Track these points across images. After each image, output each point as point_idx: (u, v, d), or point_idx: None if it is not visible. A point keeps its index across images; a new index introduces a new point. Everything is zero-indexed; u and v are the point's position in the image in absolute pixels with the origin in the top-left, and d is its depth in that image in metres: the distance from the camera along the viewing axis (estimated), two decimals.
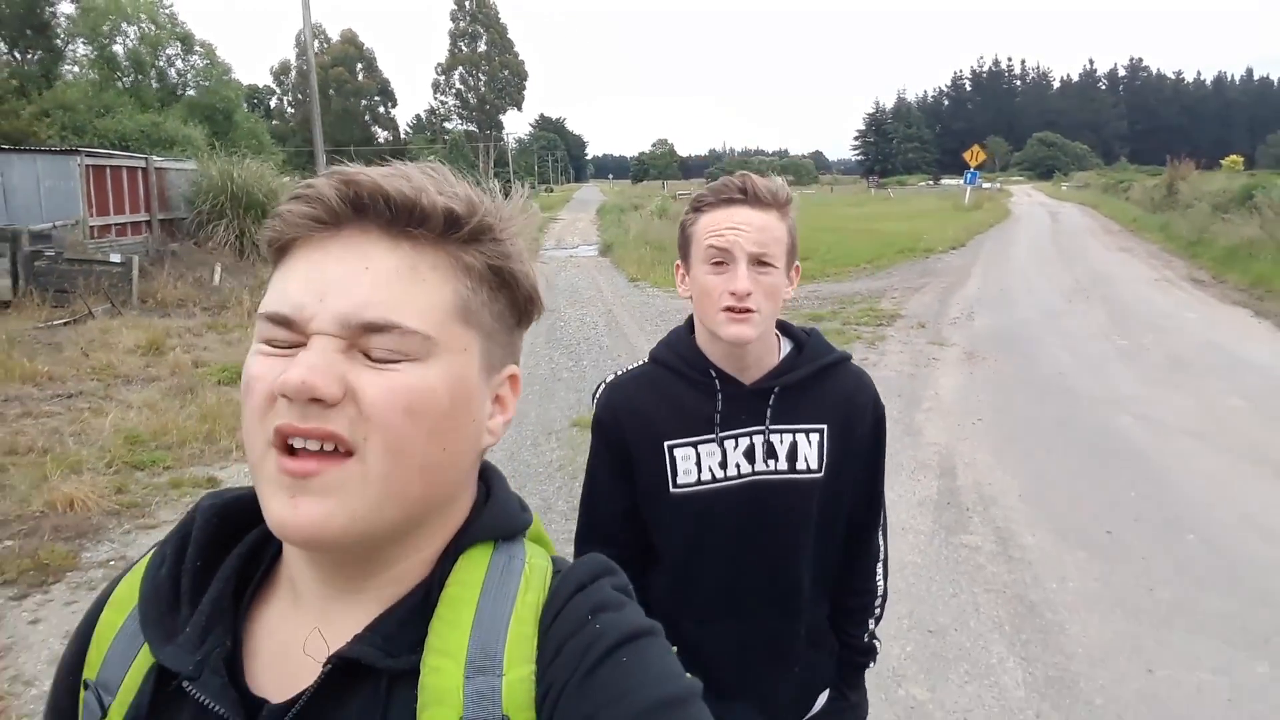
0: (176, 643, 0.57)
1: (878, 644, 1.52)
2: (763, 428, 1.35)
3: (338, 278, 0.54)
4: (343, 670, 0.55)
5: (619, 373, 1.46)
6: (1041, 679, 3.01)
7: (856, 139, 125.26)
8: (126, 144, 19.62)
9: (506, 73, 79.19)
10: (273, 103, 67.74)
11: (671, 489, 1.35)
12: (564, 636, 0.56)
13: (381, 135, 73.70)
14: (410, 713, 0.53)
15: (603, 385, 1.45)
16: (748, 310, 1.26)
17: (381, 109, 75.95)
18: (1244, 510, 4.47)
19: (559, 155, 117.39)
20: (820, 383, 1.38)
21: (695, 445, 1.35)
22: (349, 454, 0.53)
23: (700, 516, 1.35)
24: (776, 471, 1.35)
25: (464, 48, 79.39)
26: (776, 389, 1.35)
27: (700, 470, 1.35)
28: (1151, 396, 6.72)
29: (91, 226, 12.64)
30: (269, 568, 0.63)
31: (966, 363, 8.01)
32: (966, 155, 32.52)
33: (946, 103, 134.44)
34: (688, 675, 0.56)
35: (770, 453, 1.35)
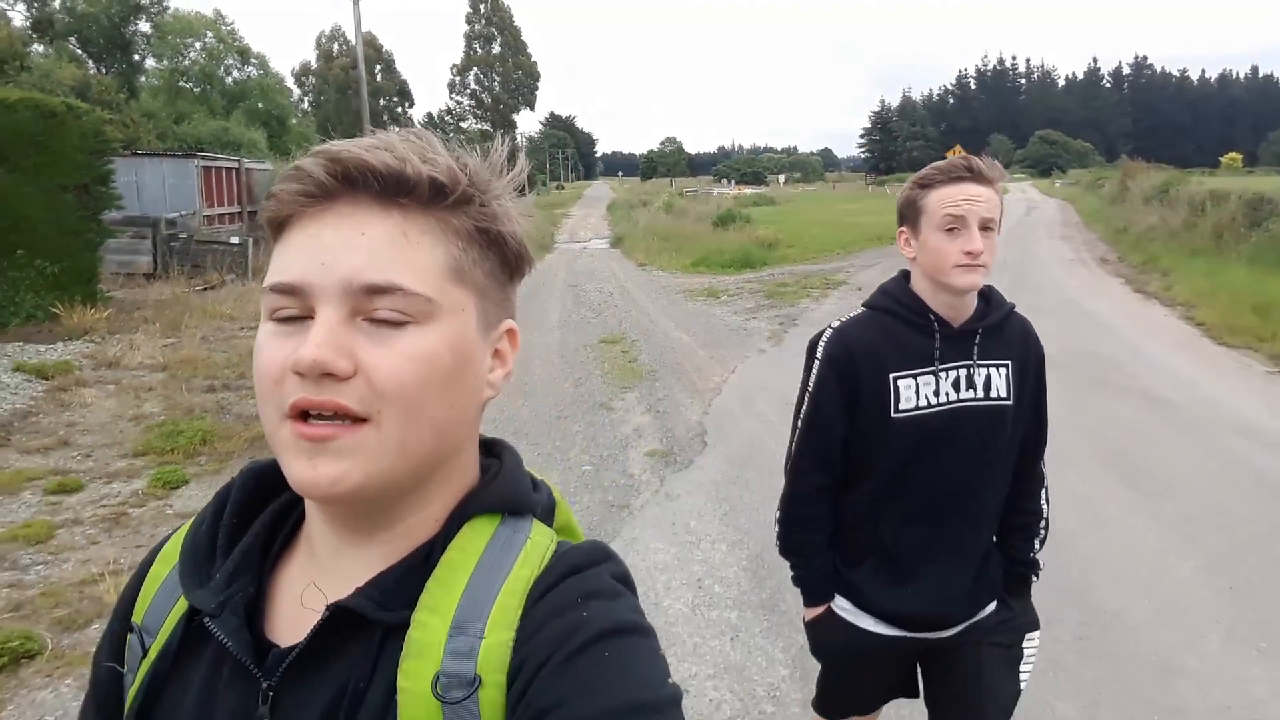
0: (207, 587, 0.63)
1: (1041, 562, 1.76)
2: (971, 362, 1.62)
3: (336, 244, 0.57)
4: (341, 619, 0.58)
5: (840, 320, 1.70)
6: None
7: (863, 137, 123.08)
8: (201, 147, 22.72)
9: (520, 73, 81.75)
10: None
11: (893, 414, 1.60)
12: (548, 614, 0.58)
13: None
14: (395, 663, 0.57)
15: (828, 330, 1.68)
16: (978, 265, 1.54)
17: (399, 109, 78.58)
18: None
19: (569, 153, 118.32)
20: (1004, 326, 1.66)
21: (915, 376, 1.60)
22: (362, 420, 0.56)
23: (915, 437, 1.61)
24: (976, 399, 1.61)
25: (479, 50, 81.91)
26: (980, 330, 1.62)
27: (918, 398, 1.60)
28: None
29: (205, 216, 15.78)
30: (295, 525, 0.68)
31: None
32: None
33: (952, 101, 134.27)
34: (670, 682, 0.56)
35: (970, 383, 1.61)
